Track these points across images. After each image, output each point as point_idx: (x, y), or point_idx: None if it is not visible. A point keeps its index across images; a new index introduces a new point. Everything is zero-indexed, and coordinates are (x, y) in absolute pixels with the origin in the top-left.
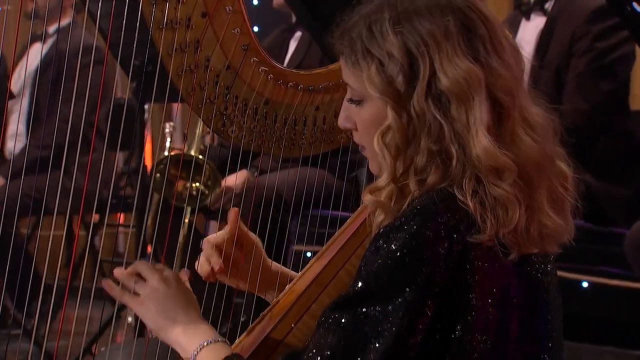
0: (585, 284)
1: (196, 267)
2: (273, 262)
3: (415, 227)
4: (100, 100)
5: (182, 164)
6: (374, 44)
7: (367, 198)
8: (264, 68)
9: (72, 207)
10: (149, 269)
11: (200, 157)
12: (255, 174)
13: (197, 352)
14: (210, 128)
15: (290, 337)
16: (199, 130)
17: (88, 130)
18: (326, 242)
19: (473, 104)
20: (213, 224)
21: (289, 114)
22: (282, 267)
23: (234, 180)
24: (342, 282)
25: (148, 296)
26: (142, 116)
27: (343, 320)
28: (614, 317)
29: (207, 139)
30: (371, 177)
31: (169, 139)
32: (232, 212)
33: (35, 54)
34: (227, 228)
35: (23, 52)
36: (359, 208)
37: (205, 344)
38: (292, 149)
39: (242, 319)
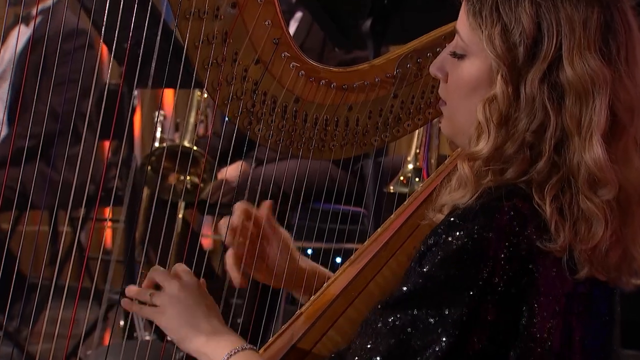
0: None
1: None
2: (304, 257)
3: (476, 226)
4: (87, 87)
5: (176, 156)
6: (506, 3)
7: (465, 166)
8: (295, 64)
9: (57, 200)
10: (166, 276)
11: (195, 148)
12: (253, 165)
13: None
14: (236, 125)
15: (320, 346)
16: (192, 118)
17: (75, 118)
18: (326, 238)
19: (592, 105)
20: (209, 220)
21: (320, 114)
22: (315, 264)
23: (231, 172)
24: (382, 286)
25: (168, 304)
26: (131, 103)
27: (392, 325)
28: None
29: (200, 129)
30: (378, 170)
31: (159, 129)
32: (265, 205)
33: (19, 37)
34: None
35: (5, 35)
36: (406, 202)
37: (233, 352)
38: (322, 151)
39: (239, 321)
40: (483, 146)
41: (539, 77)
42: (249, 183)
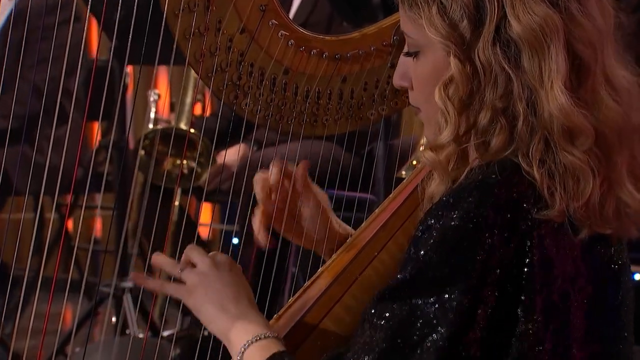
0: (637, 276)
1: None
2: (340, 221)
3: (472, 204)
4: (74, 63)
5: (171, 138)
6: None
7: (427, 155)
8: (284, 32)
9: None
10: (200, 253)
11: (192, 130)
12: (253, 148)
13: (245, 349)
14: (221, 100)
15: (315, 336)
16: (188, 98)
17: (61, 97)
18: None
19: (548, 54)
20: (207, 208)
21: (311, 86)
22: (350, 230)
23: (230, 156)
24: (380, 272)
25: (198, 284)
26: (122, 81)
27: (391, 314)
28: None
29: (197, 109)
30: (388, 152)
31: (153, 109)
32: (302, 165)
33: (0, 11)
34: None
35: None
36: (404, 181)
37: (254, 339)
38: (314, 126)
39: None
40: (445, 133)
41: (490, 41)
42: (247, 167)
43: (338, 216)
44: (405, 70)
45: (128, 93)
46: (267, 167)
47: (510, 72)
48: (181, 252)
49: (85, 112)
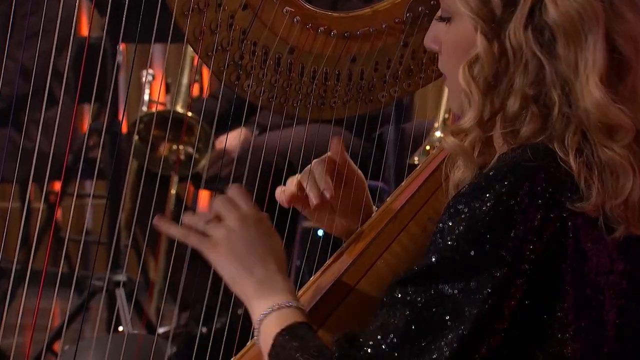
0: None
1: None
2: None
3: (505, 188)
4: (64, 41)
5: (167, 122)
6: None
7: (448, 140)
8: (289, 8)
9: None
10: (229, 205)
11: (190, 113)
12: (256, 132)
13: (264, 317)
14: (221, 81)
15: (330, 321)
16: (185, 78)
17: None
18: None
19: (585, 44)
20: (205, 196)
21: (318, 66)
22: None
23: (231, 141)
24: (391, 264)
25: (223, 239)
26: (115, 60)
27: (412, 298)
28: None
29: (194, 90)
30: (400, 137)
31: (148, 91)
32: (335, 141)
33: None
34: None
35: None
36: (417, 168)
37: (275, 307)
38: (321, 110)
39: (240, 312)
40: (468, 116)
41: (522, 23)
42: (250, 153)
43: None
44: (437, 33)
45: (121, 74)
46: (271, 153)
47: (542, 58)
48: (177, 243)
49: (76, 94)
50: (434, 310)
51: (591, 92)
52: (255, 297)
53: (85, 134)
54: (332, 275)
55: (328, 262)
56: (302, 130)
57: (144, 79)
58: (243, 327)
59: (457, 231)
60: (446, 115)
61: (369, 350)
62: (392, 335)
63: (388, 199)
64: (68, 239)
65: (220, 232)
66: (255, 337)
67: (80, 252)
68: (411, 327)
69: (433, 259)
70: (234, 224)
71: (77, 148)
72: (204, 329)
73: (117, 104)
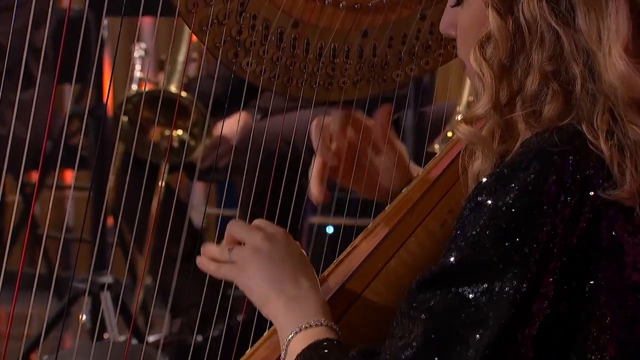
0: None
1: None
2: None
3: (531, 177)
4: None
5: (159, 104)
6: None
7: (462, 128)
8: None
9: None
10: (246, 227)
11: (184, 94)
12: (257, 116)
13: (292, 337)
14: (217, 58)
15: (343, 323)
16: (180, 55)
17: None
18: (350, 211)
19: (607, 12)
20: (200, 188)
21: (325, 42)
22: None
23: (229, 126)
24: (407, 263)
25: (249, 259)
26: (99, 35)
27: (432, 304)
28: None
29: (190, 69)
30: (418, 122)
31: (138, 68)
32: (385, 111)
33: None
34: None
35: None
36: (436, 156)
37: (304, 326)
38: (329, 90)
39: (240, 319)
40: (481, 102)
41: None
42: (251, 139)
43: (358, 199)
44: (453, 17)
45: (107, 50)
46: (273, 140)
47: (559, 30)
48: (168, 240)
49: (55, 73)
50: (455, 316)
51: (615, 64)
52: (285, 316)
53: (65, 118)
54: (341, 275)
55: (337, 259)
56: (308, 114)
57: (134, 54)
58: (242, 335)
59: (478, 227)
60: (470, 98)
61: None
62: (412, 346)
63: (404, 191)
64: (47, 236)
65: (245, 253)
66: (282, 358)
67: (60, 250)
68: (431, 337)
69: (452, 259)
70: (259, 243)
71: (57, 134)
72: (199, 337)
73: (102, 84)
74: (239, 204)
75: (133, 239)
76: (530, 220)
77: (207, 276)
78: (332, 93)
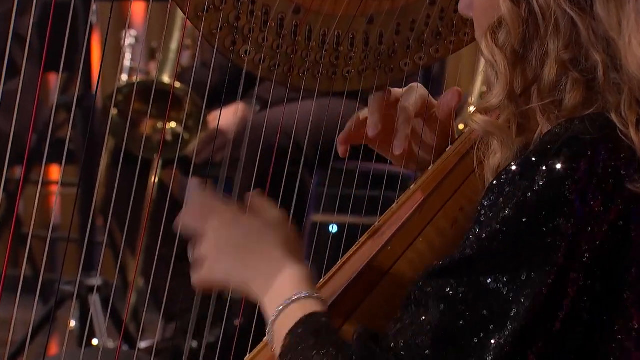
0: None
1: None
2: None
3: (560, 164)
4: None
5: (151, 95)
6: None
7: (477, 118)
8: None
9: None
10: (197, 216)
11: (179, 84)
12: (255, 108)
13: (276, 317)
14: (214, 46)
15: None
16: (173, 43)
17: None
18: (355, 209)
19: None
20: (195, 184)
21: (329, 29)
22: None
23: (227, 118)
24: (415, 264)
25: (211, 251)
26: (87, 21)
27: (448, 293)
28: None
29: (185, 57)
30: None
31: (129, 56)
32: (415, 90)
33: None
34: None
35: None
36: (448, 150)
37: (287, 302)
38: (332, 80)
39: (237, 324)
40: (495, 91)
41: None
42: (247, 132)
43: (363, 196)
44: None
45: (95, 37)
46: (273, 133)
47: (573, 15)
48: (161, 239)
49: (41, 62)
50: (473, 306)
51: (636, 54)
52: (265, 294)
53: (52, 110)
54: (345, 277)
55: (341, 260)
56: (310, 105)
57: (124, 41)
58: (240, 340)
59: (501, 216)
60: (483, 88)
61: (398, 350)
62: (424, 334)
63: (412, 187)
64: (31, 236)
65: (205, 247)
66: (269, 343)
67: (46, 251)
68: (447, 326)
69: (474, 247)
70: (214, 233)
71: (43, 126)
72: (194, 343)
73: (90, 73)
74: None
75: (124, 238)
76: (558, 210)
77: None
78: (335, 83)
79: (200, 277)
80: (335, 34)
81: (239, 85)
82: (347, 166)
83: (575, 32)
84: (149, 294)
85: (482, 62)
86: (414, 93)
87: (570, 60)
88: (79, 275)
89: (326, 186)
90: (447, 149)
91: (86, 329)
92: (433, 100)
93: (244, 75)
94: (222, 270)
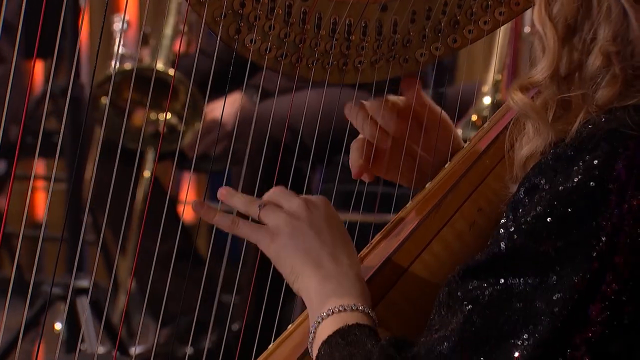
0: None
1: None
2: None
3: (598, 159)
4: None
5: (145, 83)
6: None
7: (516, 97)
8: None
9: None
10: (285, 192)
11: (172, 71)
12: (255, 97)
13: (322, 320)
14: (217, 34)
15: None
16: (169, 28)
17: None
18: (363, 206)
19: None
20: (192, 180)
21: (340, 17)
22: None
23: (226, 109)
24: (431, 267)
25: (285, 225)
26: (75, 4)
27: (476, 295)
28: None
29: (181, 43)
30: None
31: (119, 42)
32: (408, 82)
33: None
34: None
35: None
36: (466, 146)
37: (338, 309)
38: (343, 71)
39: (234, 327)
40: (540, 66)
41: None
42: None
43: (372, 193)
44: None
45: (84, 21)
46: (275, 124)
47: (626, 5)
48: (152, 238)
49: (27, 48)
50: (501, 311)
51: None
52: (318, 294)
53: (37, 99)
54: None
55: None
56: (314, 95)
57: (115, 26)
58: (240, 346)
59: (534, 213)
60: (498, 77)
61: (421, 357)
62: (450, 340)
63: (428, 185)
64: (15, 235)
65: (280, 217)
66: (309, 344)
67: (32, 251)
68: (472, 328)
69: (502, 247)
70: (296, 209)
71: (29, 117)
72: (190, 350)
73: (78, 60)
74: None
75: (115, 237)
76: (594, 208)
77: (200, 280)
78: (347, 74)
79: (253, 235)
80: (347, 22)
81: (239, 74)
82: None
83: (626, 24)
84: (142, 296)
85: (497, 50)
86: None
87: (616, 54)
88: (67, 277)
89: (336, 182)
90: (464, 147)
91: (75, 334)
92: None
93: (246, 63)
94: (286, 245)
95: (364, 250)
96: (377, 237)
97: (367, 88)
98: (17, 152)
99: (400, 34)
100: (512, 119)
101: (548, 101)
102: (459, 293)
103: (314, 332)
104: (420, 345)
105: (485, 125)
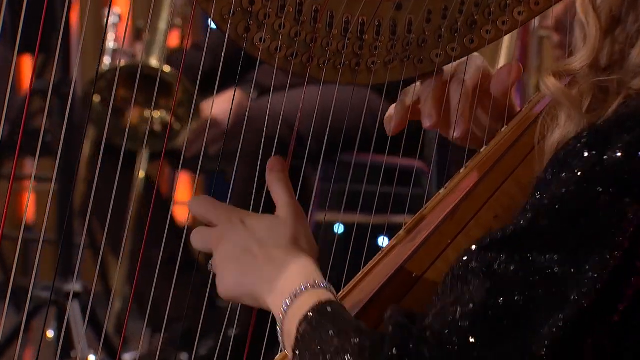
0: None
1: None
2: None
3: (631, 142)
4: None
5: (137, 80)
6: None
7: (549, 82)
8: None
9: None
10: (206, 233)
11: (168, 68)
12: (253, 94)
13: (286, 312)
14: (226, 33)
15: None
16: (162, 23)
17: None
18: (364, 207)
19: None
20: (185, 179)
21: (353, 15)
22: None
23: (221, 106)
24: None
25: (219, 264)
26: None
27: (495, 269)
28: None
29: (174, 38)
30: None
31: (112, 37)
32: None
33: None
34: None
35: None
36: (484, 149)
37: (292, 296)
38: (356, 72)
39: (231, 333)
40: (579, 55)
41: None
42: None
43: (373, 192)
44: None
45: (74, 15)
46: (273, 122)
47: None
48: (145, 241)
49: (14, 43)
50: (522, 287)
51: None
52: (269, 297)
53: (26, 96)
54: (364, 292)
55: (362, 271)
56: (314, 92)
57: (106, 20)
58: (236, 352)
59: (563, 190)
60: None
61: (438, 332)
62: (467, 315)
63: (442, 191)
64: (2, 236)
65: (215, 262)
66: (282, 345)
67: (18, 253)
68: (493, 306)
69: (527, 221)
70: (222, 248)
71: (16, 115)
72: (184, 356)
73: (68, 56)
74: (229, 198)
75: (106, 239)
76: (627, 189)
77: (192, 284)
78: (359, 75)
79: (219, 293)
80: (360, 21)
81: (236, 70)
82: (358, 160)
83: None
84: (134, 300)
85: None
86: (473, 64)
87: None
88: (55, 280)
89: (333, 181)
90: (482, 150)
91: (67, 340)
92: (492, 72)
93: (242, 58)
94: (230, 285)
95: (376, 258)
96: (392, 242)
97: (379, 90)
98: None
99: (415, 33)
100: (530, 124)
101: (584, 92)
102: (476, 265)
103: (282, 330)
104: (433, 318)
105: (504, 128)
